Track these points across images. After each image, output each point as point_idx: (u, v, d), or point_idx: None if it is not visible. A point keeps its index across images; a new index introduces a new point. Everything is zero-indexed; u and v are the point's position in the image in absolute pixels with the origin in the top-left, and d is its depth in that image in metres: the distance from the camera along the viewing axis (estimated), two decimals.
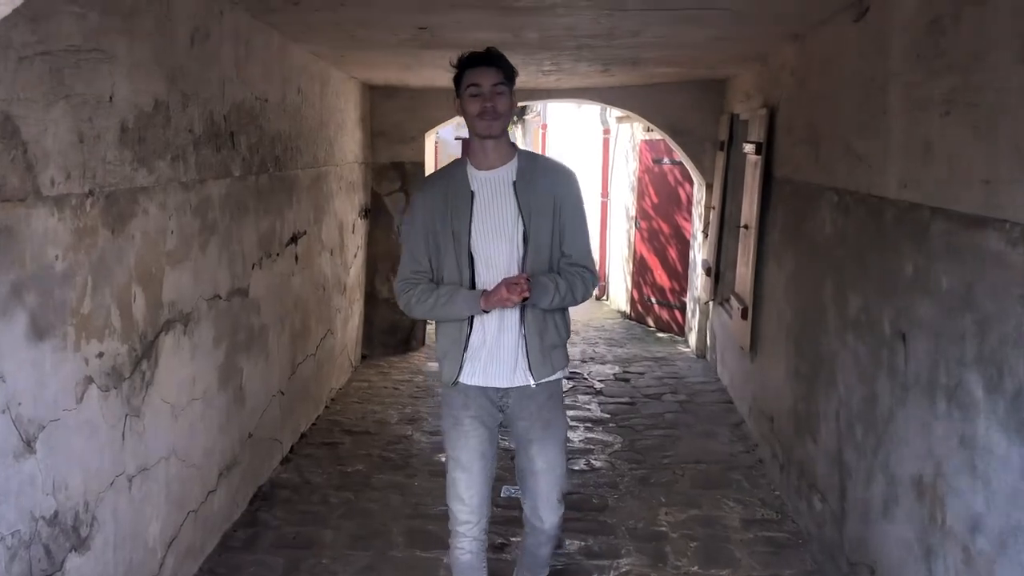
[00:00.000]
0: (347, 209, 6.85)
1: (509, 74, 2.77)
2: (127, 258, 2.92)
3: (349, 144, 6.90)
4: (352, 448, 5.29)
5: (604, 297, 11.39)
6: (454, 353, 2.85)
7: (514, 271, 2.78)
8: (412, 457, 5.13)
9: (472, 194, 2.79)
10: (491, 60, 2.75)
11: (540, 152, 12.79)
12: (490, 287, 2.75)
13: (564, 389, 3.09)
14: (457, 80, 2.79)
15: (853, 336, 3.50)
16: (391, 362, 7.63)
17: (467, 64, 2.75)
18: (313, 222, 5.66)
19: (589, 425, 5.78)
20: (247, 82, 4.19)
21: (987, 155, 2.36)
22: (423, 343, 8.22)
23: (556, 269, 2.84)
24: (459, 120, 8.98)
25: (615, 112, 10.16)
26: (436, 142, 11.29)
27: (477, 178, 2.82)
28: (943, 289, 2.64)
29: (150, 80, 3.08)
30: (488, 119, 2.72)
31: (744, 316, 5.67)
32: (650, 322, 9.51)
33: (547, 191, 2.80)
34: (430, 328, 8.56)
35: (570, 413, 5.69)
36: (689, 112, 7.58)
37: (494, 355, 2.83)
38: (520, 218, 2.78)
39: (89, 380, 2.68)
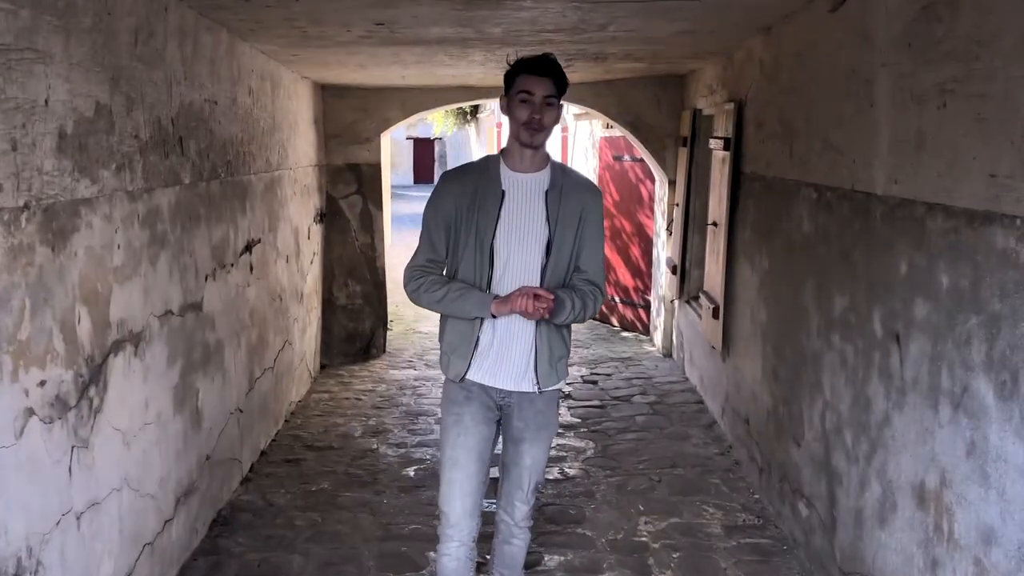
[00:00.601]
0: (302, 214, 6.60)
1: (561, 87, 2.72)
2: (70, 276, 2.68)
3: (303, 146, 6.65)
4: (315, 465, 5.05)
5: None
6: (463, 350, 2.82)
7: (532, 277, 2.76)
8: (379, 472, 4.91)
9: (503, 193, 2.76)
10: (547, 70, 2.69)
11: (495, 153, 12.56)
12: (504, 290, 2.74)
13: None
14: (508, 79, 2.75)
15: (840, 337, 3.38)
16: (351, 371, 7.39)
17: (523, 69, 2.71)
18: (268, 229, 5.41)
19: (560, 431, 5.62)
20: (195, 83, 3.95)
21: (993, 147, 2.24)
22: (384, 351, 7.99)
23: (569, 282, 2.83)
24: (410, 120, 8.77)
25: (573, 109, 10.03)
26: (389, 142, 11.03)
27: (509, 178, 2.78)
28: (943, 288, 2.53)
29: (90, 82, 2.83)
30: (533, 129, 2.69)
31: (715, 315, 5.55)
32: (614, 321, 9.39)
33: (576, 205, 2.80)
34: (391, 334, 8.35)
35: None
36: (650, 108, 7.48)
37: (502, 357, 2.82)
38: (547, 226, 2.76)
39: (30, 412, 2.43)
